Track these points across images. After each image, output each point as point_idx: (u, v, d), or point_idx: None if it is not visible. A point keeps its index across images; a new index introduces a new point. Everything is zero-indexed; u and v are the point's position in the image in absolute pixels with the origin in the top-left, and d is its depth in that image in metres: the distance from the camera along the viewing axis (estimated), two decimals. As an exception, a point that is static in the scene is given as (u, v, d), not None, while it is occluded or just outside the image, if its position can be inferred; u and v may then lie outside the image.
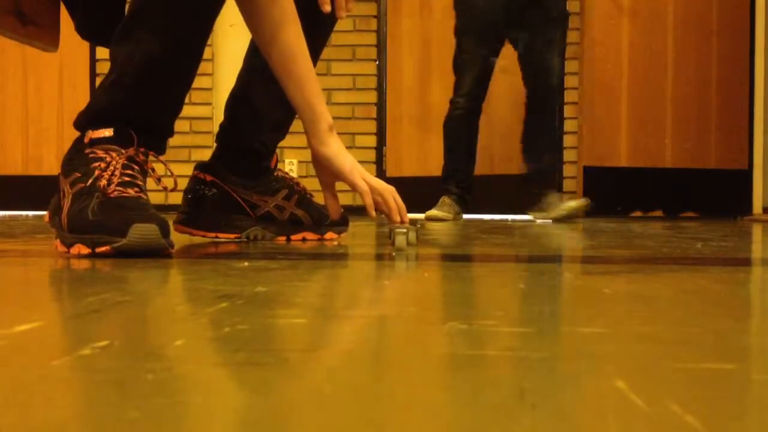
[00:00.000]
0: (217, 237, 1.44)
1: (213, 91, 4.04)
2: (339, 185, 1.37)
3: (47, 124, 4.16)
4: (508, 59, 4.07)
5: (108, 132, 1.14)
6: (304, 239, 1.49)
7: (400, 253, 1.17)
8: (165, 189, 1.17)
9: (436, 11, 4.09)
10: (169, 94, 1.21)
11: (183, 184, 1.53)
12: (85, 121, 1.18)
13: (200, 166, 1.48)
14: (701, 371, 0.39)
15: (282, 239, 1.48)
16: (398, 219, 1.32)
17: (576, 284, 0.82)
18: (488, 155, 4.06)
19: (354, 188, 1.32)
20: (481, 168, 4.07)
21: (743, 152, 3.85)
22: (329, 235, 1.53)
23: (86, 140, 1.15)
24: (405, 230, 1.22)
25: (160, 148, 1.22)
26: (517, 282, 0.83)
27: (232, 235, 1.45)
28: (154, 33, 1.16)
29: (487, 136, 4.06)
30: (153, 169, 1.18)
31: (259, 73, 1.49)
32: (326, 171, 1.34)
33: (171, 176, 1.19)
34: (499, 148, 4.06)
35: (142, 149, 1.15)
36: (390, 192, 1.35)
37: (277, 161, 1.54)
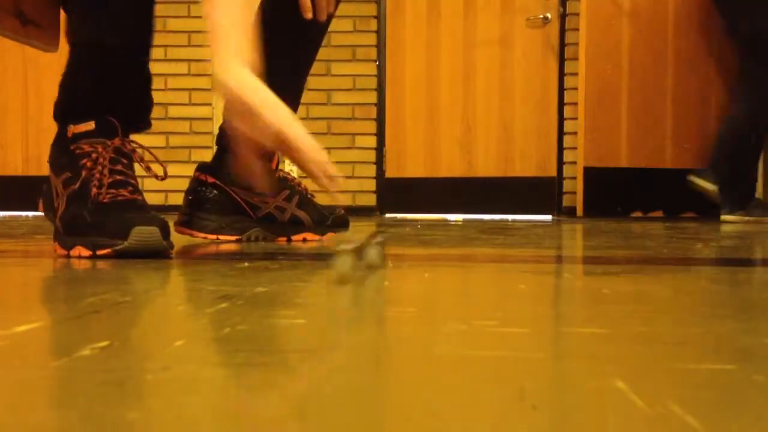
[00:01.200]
0: (217, 239, 1.44)
1: (213, 91, 4.04)
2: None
3: (47, 124, 4.15)
4: (527, 59, 4.08)
5: (90, 126, 1.12)
6: (304, 240, 1.49)
7: (343, 280, 0.78)
8: (156, 177, 1.15)
9: (445, 16, 4.09)
10: (135, 72, 1.19)
11: (183, 184, 1.54)
12: (66, 113, 1.15)
13: (201, 168, 1.49)
14: (701, 372, 0.39)
15: (283, 240, 1.48)
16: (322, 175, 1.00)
17: (576, 285, 0.82)
18: (508, 157, 4.07)
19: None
20: (497, 170, 4.08)
21: (743, 153, 3.85)
22: (330, 235, 1.54)
23: (69, 135, 1.13)
24: (353, 247, 0.81)
25: (145, 124, 1.20)
26: (518, 282, 0.83)
27: (233, 237, 1.45)
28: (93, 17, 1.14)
29: (506, 138, 4.07)
30: (142, 158, 1.16)
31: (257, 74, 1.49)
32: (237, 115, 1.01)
33: (159, 162, 1.18)
34: (519, 150, 4.07)
35: (127, 139, 1.13)
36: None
37: (278, 162, 1.54)
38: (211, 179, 1.46)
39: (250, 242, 1.44)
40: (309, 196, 1.55)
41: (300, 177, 1.55)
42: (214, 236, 1.44)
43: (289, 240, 1.49)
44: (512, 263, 1.13)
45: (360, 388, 0.36)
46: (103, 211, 1.04)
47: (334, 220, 1.57)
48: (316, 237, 1.52)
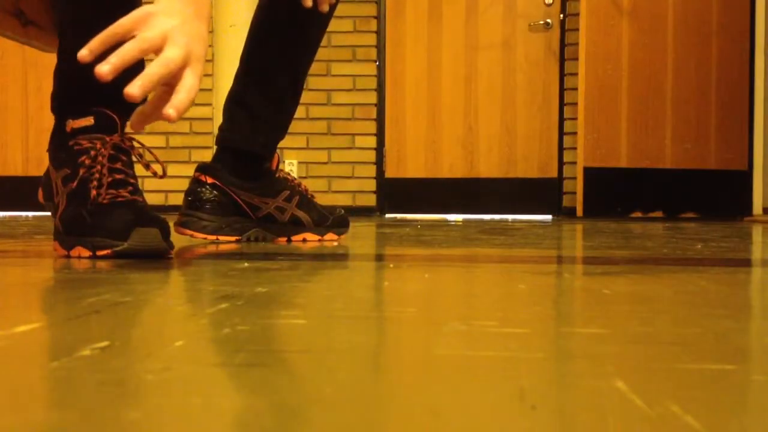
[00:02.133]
0: (217, 239, 1.44)
1: (213, 91, 4.04)
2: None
3: (47, 124, 4.16)
4: (529, 64, 4.08)
5: (89, 121, 1.11)
6: (304, 240, 1.49)
7: None
8: (155, 174, 1.15)
9: (446, 18, 4.09)
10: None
11: (184, 185, 1.54)
12: (63, 107, 1.14)
13: (201, 168, 1.49)
14: (701, 372, 0.39)
15: (283, 240, 1.49)
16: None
17: (576, 285, 0.82)
18: (510, 159, 4.07)
19: None
20: (499, 171, 4.08)
21: (743, 153, 3.85)
22: (329, 236, 1.54)
23: (68, 129, 1.12)
24: None
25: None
26: (517, 282, 0.83)
27: (233, 237, 1.45)
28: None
29: (508, 140, 4.07)
30: (141, 155, 1.15)
31: (256, 74, 1.49)
32: None
33: (158, 161, 1.18)
34: (521, 151, 4.07)
35: (126, 135, 1.12)
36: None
37: (278, 162, 1.54)
38: (210, 179, 1.46)
39: (250, 243, 1.44)
40: (309, 196, 1.55)
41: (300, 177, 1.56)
42: (213, 237, 1.44)
43: (289, 240, 1.49)
44: (512, 263, 1.13)
45: (360, 389, 0.36)
46: (103, 212, 1.04)
47: (334, 220, 1.57)
48: (316, 237, 1.52)
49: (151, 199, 4.00)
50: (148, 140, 3.92)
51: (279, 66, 1.51)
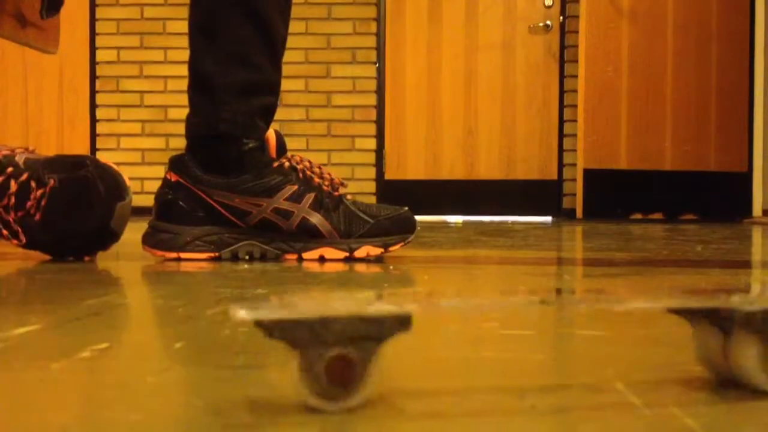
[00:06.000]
0: (179, 258, 1.05)
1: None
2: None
3: (47, 126, 4.17)
4: (529, 66, 4.09)
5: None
6: (322, 258, 1.08)
7: None
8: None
9: (447, 19, 4.10)
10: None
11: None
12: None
13: (168, 163, 1.11)
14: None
15: (292, 257, 1.08)
16: None
17: (576, 286, 0.82)
18: (510, 160, 4.08)
19: None
20: (499, 172, 4.09)
21: (743, 155, 3.85)
22: (365, 249, 1.09)
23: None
24: None
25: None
26: (517, 284, 0.83)
27: (204, 255, 1.06)
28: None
29: (508, 141, 4.08)
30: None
31: (204, 30, 1.10)
32: None
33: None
34: (521, 153, 4.08)
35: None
36: None
37: (280, 147, 1.13)
38: (175, 177, 1.07)
39: (238, 260, 1.06)
40: (335, 196, 1.11)
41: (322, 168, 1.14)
42: (174, 255, 1.05)
43: (300, 259, 1.08)
44: (512, 265, 1.13)
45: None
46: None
47: (379, 226, 1.10)
48: (341, 254, 1.08)
49: (150, 201, 3.98)
50: (148, 141, 3.92)
51: (230, 9, 1.09)
